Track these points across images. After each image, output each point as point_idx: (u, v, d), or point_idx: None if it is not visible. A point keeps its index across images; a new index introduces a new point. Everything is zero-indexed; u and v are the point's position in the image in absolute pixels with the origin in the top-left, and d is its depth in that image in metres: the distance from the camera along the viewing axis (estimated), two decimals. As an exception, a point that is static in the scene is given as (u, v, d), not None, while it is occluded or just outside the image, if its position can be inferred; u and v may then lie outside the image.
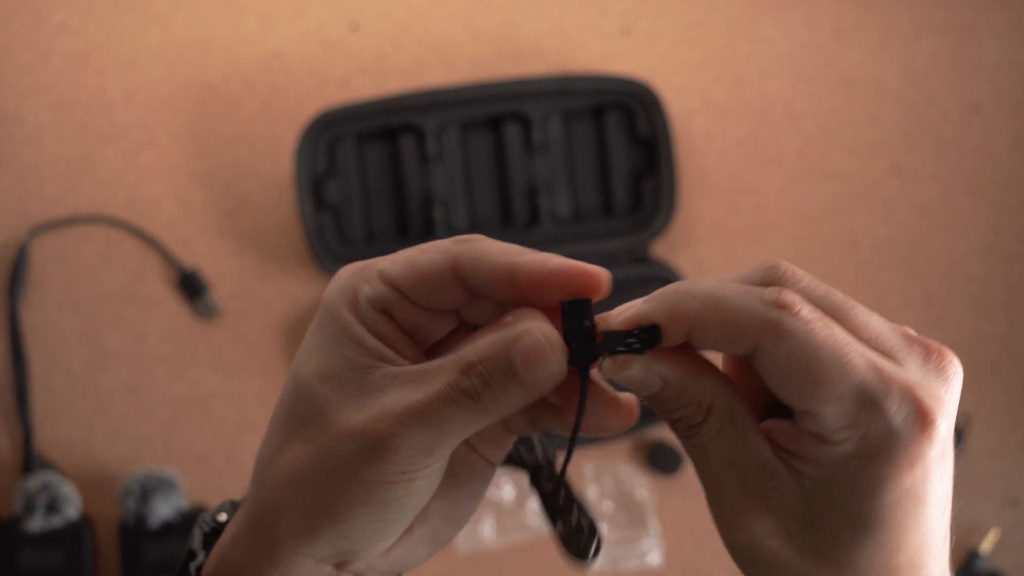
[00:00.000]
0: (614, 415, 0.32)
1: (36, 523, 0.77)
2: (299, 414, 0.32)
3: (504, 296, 0.32)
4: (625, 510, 0.86)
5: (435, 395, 0.30)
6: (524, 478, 0.85)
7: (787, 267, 0.30)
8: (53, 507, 0.77)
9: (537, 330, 0.30)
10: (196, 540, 0.36)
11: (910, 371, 0.29)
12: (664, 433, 0.86)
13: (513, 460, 0.38)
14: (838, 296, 0.30)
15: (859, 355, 0.28)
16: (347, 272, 0.33)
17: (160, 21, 0.85)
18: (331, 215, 0.83)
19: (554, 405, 0.34)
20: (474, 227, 0.84)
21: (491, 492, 0.86)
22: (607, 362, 0.30)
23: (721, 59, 0.89)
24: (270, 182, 0.85)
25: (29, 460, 0.81)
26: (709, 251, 0.88)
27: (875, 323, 0.29)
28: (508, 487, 0.86)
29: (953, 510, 0.30)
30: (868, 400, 0.27)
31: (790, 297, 0.28)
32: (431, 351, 0.34)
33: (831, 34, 0.89)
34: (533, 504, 0.85)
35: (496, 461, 0.37)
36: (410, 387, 0.30)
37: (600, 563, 0.85)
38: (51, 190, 0.84)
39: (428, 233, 0.83)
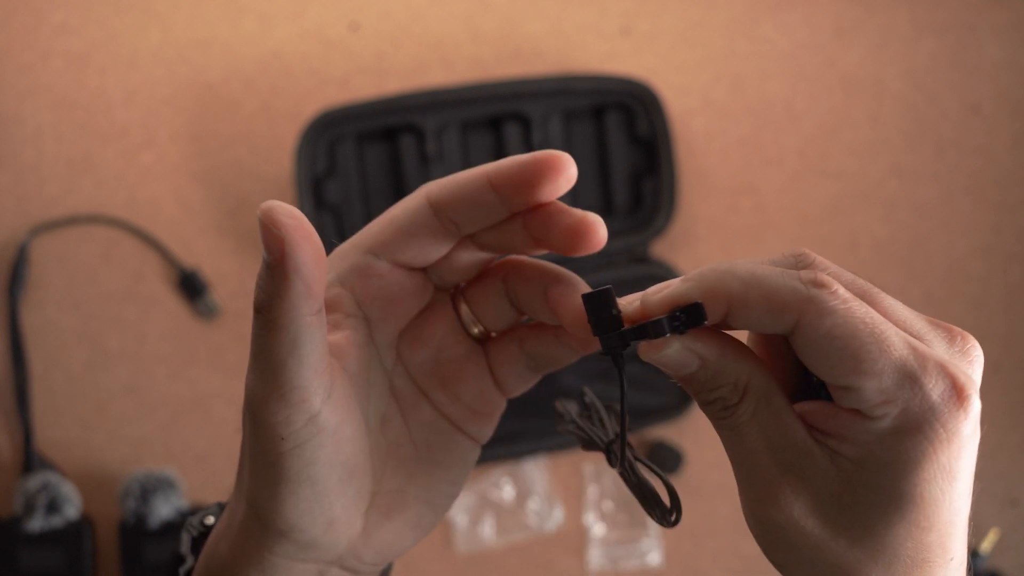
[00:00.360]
0: (583, 237, 0.32)
1: (36, 523, 0.77)
2: None
3: (486, 212, 0.32)
4: (625, 510, 0.86)
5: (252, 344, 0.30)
6: (525, 477, 0.85)
7: (814, 255, 0.31)
8: (53, 507, 0.77)
9: (268, 204, 0.28)
10: (184, 544, 0.36)
11: (939, 351, 0.29)
12: (664, 433, 0.86)
13: (589, 443, 0.37)
14: (864, 283, 0.31)
15: (895, 333, 0.28)
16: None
17: (160, 21, 0.85)
18: (331, 215, 0.83)
19: (552, 329, 0.34)
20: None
21: (491, 492, 0.85)
22: (643, 343, 0.30)
23: (721, 59, 0.89)
24: (270, 182, 0.85)
25: (29, 460, 0.81)
26: (709, 251, 0.88)
27: (900, 308, 0.30)
28: (508, 487, 0.86)
29: (974, 493, 0.30)
30: (907, 375, 0.28)
31: (826, 278, 0.29)
32: (415, 324, 0.35)
33: (831, 34, 0.89)
34: (533, 504, 0.85)
35: (481, 439, 0.36)
36: None
37: (600, 563, 0.85)
38: (51, 190, 0.84)
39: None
